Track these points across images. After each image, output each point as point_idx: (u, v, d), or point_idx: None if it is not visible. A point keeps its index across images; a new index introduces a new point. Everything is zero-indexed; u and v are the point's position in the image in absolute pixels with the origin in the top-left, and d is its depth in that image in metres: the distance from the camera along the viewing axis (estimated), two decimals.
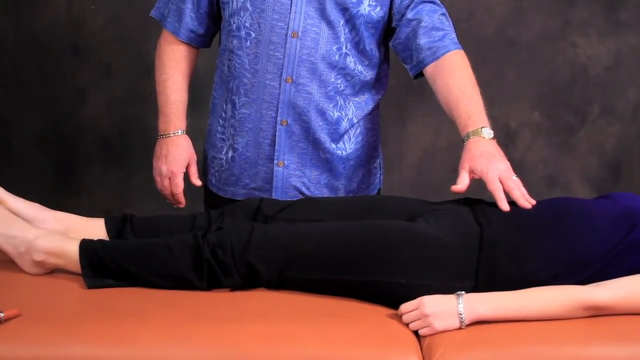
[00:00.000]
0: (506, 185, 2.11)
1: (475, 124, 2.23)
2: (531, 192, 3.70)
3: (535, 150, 3.75)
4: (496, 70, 3.68)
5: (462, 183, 2.13)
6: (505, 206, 2.08)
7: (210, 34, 2.54)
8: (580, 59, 3.67)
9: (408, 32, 2.40)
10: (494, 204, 2.19)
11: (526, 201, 2.10)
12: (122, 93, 3.69)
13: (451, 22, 2.44)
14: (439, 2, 2.44)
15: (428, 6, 2.40)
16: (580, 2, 3.62)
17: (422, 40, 2.38)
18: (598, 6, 3.63)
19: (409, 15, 2.39)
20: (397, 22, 2.41)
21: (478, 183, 3.75)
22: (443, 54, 2.37)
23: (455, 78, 2.35)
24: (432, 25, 2.38)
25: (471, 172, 2.16)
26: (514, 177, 2.13)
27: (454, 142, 3.72)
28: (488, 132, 2.22)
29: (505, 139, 3.74)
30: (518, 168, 3.69)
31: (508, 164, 2.16)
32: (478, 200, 2.22)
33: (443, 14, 2.42)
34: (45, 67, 3.67)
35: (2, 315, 1.88)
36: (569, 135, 3.74)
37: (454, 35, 2.41)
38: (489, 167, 2.13)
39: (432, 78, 2.38)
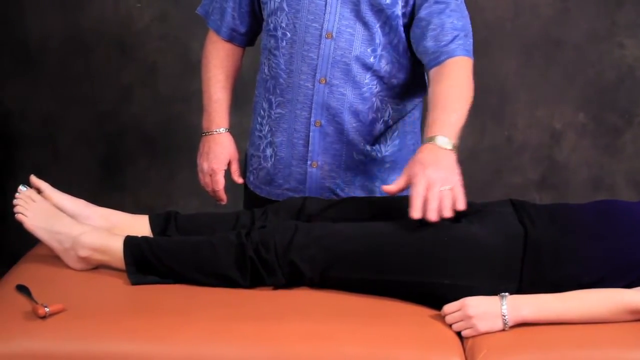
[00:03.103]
0: (428, 193, 2.03)
1: (434, 131, 2.14)
2: (575, 194, 3.70)
3: (580, 151, 3.72)
4: (541, 70, 3.65)
5: (395, 185, 2.10)
6: (414, 214, 2.01)
7: (252, 33, 2.54)
8: (627, 60, 3.64)
9: (417, 32, 2.33)
10: (538, 206, 2.17)
11: (435, 214, 2.01)
12: (167, 91, 3.71)
13: (467, 26, 2.34)
14: (455, 3, 2.34)
15: (441, 7, 2.31)
16: (628, 3, 3.58)
17: (429, 44, 2.30)
18: None
19: (421, 14, 2.32)
20: (411, 20, 2.35)
21: (520, 186, 3.74)
22: (445, 60, 2.28)
23: (442, 84, 2.25)
24: (442, 28, 2.30)
25: (408, 176, 2.09)
26: (443, 188, 2.03)
27: (498, 143, 3.72)
28: (442, 141, 2.12)
29: (550, 140, 3.71)
30: (562, 169, 3.71)
31: (447, 174, 2.06)
32: (522, 201, 2.21)
33: (458, 18, 2.32)
34: (91, 64, 3.70)
35: (48, 310, 1.90)
36: (615, 137, 3.71)
37: (463, 40, 2.31)
38: (421, 173, 2.05)
39: (429, 82, 2.32)
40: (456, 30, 2.30)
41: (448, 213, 2.01)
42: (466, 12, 2.36)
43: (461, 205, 2.03)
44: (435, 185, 2.03)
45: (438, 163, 2.08)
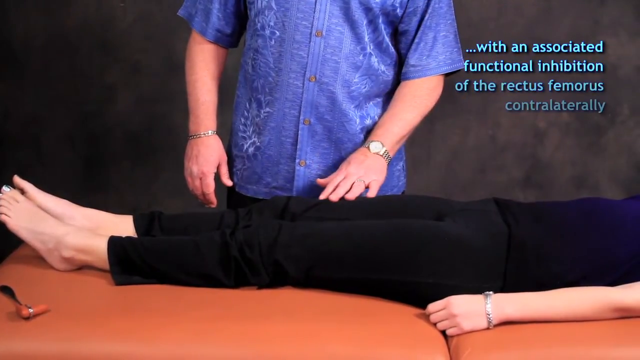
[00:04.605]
0: (342, 182, 2.28)
1: (373, 136, 2.39)
2: (559, 192, 3.70)
3: (563, 150, 3.73)
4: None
5: (327, 178, 2.33)
6: (320, 196, 2.26)
7: (236, 34, 2.53)
8: (610, 59, 3.65)
9: (409, 40, 2.44)
10: (522, 204, 2.18)
11: (336, 197, 2.25)
12: (150, 91, 3.70)
13: (455, 37, 2.47)
14: (448, 17, 2.45)
15: (435, 21, 2.43)
16: (610, 2, 3.60)
17: (414, 56, 2.44)
18: (628, 6, 3.61)
19: (411, 26, 2.43)
20: (405, 26, 2.43)
21: (504, 184, 3.75)
22: (424, 75, 2.46)
23: (402, 93, 2.45)
24: (431, 46, 2.44)
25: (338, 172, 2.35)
26: (358, 180, 2.28)
27: (482, 142, 3.73)
28: (375, 146, 2.36)
29: (534, 139, 3.72)
30: (546, 168, 3.72)
31: (366, 172, 2.30)
32: (506, 200, 2.21)
33: (446, 35, 2.45)
34: (75, 64, 3.69)
35: (32, 310, 1.89)
36: (598, 136, 3.72)
37: (450, 54, 2.46)
38: (343, 168, 2.32)
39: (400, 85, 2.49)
40: (447, 48, 2.46)
41: (351, 196, 2.25)
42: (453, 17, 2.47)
43: (370, 194, 2.28)
44: (351, 177, 2.29)
45: (362, 163, 2.33)
